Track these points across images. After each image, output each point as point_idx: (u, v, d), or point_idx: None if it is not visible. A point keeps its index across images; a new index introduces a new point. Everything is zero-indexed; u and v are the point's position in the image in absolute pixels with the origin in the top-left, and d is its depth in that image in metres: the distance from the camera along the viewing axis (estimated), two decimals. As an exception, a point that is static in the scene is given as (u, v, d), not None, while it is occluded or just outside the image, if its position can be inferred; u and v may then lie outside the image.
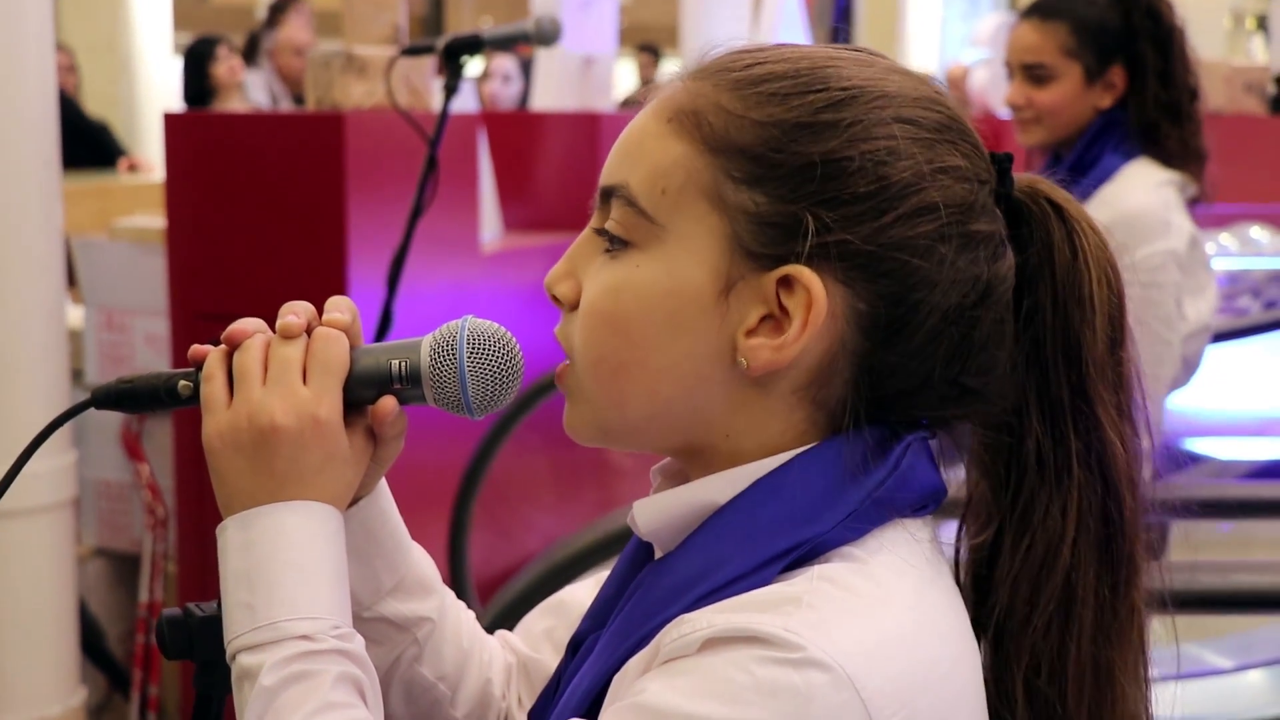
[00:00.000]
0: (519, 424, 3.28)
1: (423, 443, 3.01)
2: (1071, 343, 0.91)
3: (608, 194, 0.92)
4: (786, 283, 0.87)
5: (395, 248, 2.58)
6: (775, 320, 0.88)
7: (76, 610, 3.04)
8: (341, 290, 2.92)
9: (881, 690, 0.79)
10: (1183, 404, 2.89)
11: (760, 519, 0.87)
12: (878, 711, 0.79)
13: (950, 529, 0.97)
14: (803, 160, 0.87)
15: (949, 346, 0.89)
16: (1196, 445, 3.75)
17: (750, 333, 0.88)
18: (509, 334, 0.96)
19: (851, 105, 0.88)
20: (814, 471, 0.88)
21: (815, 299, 0.86)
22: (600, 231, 0.92)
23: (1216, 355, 3.10)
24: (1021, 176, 0.94)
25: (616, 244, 0.91)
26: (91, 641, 3.31)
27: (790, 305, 0.87)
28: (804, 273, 0.86)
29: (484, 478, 3.28)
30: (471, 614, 1.12)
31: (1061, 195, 0.94)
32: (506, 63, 6.00)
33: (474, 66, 3.00)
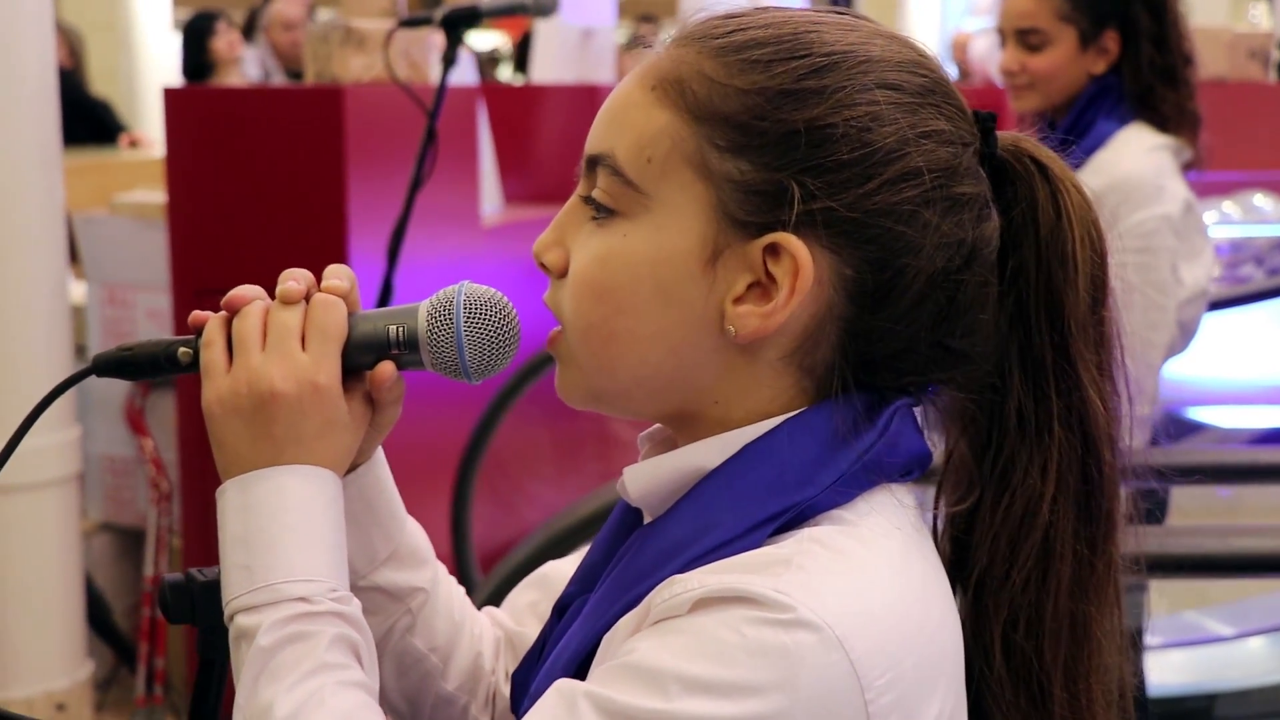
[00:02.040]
0: (521, 396, 3.28)
1: (425, 415, 3.02)
2: (1054, 302, 0.92)
3: (593, 162, 0.92)
4: (773, 250, 0.87)
5: (395, 221, 2.58)
6: (762, 287, 0.88)
7: (82, 584, 3.05)
8: (342, 263, 2.91)
9: (870, 652, 0.80)
10: (1186, 372, 2.88)
11: (751, 483, 0.88)
12: (866, 673, 0.80)
13: (929, 496, 0.97)
14: (787, 128, 0.87)
15: (934, 310, 0.89)
16: (1200, 414, 3.74)
17: (738, 300, 0.88)
18: (505, 299, 0.96)
19: (834, 71, 0.88)
20: (804, 436, 0.89)
21: (802, 267, 0.87)
22: (587, 199, 0.92)
23: (1220, 323, 3.09)
24: (1005, 135, 0.94)
25: (603, 212, 0.91)
26: (98, 615, 3.33)
27: (777, 273, 0.87)
28: (790, 240, 0.87)
29: (486, 450, 3.28)
30: (462, 589, 1.12)
31: (1045, 154, 0.94)
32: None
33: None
